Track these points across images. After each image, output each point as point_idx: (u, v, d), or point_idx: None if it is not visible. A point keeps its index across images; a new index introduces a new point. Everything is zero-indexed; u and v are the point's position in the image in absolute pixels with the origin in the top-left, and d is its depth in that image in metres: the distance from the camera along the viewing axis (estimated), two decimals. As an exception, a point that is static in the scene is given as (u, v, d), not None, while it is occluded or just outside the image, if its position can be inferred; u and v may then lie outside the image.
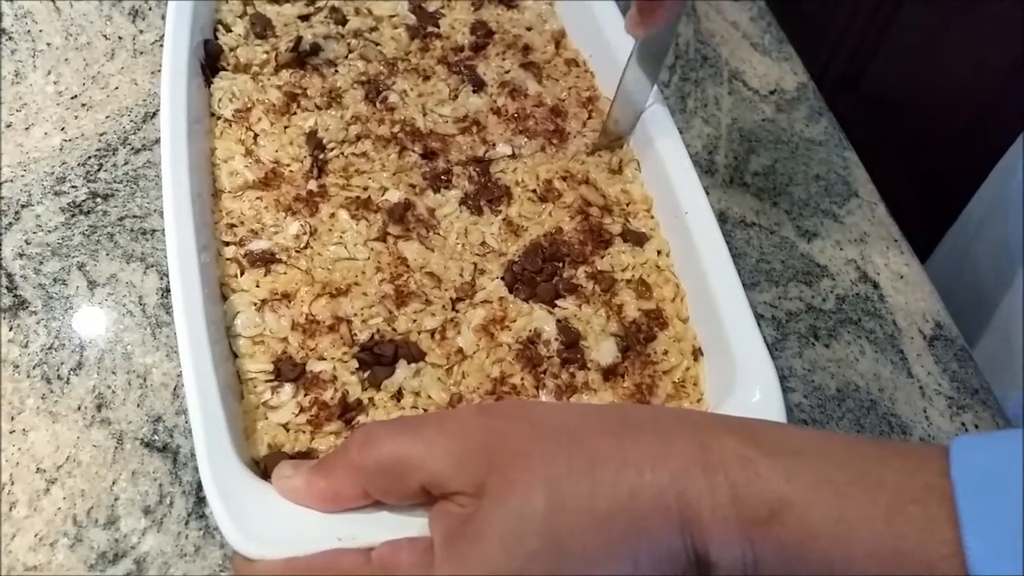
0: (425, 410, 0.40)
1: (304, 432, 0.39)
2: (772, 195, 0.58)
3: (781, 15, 0.69)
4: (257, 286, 0.42)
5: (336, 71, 0.51)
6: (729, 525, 0.28)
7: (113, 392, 0.43)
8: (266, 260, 0.43)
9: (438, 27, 0.54)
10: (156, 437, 0.42)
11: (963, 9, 0.84)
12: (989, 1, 0.80)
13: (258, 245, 0.43)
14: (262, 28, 0.51)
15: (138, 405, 0.43)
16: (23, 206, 0.48)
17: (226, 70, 0.49)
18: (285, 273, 0.43)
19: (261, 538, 0.32)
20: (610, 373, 0.42)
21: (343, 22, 0.53)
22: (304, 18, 0.53)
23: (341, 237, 0.44)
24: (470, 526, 0.29)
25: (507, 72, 0.53)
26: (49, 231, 0.48)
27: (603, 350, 0.43)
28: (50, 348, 0.44)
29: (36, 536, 0.39)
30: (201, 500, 0.41)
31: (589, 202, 0.48)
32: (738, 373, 0.40)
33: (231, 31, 0.51)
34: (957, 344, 0.53)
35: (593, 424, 0.31)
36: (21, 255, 0.47)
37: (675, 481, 0.28)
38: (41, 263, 0.47)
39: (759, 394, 0.39)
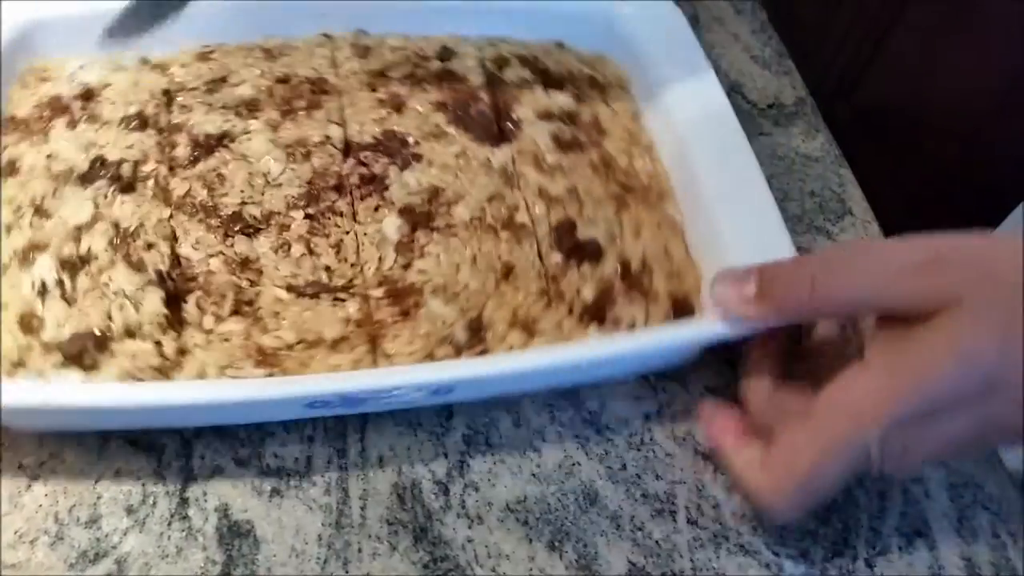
0: None
1: None
2: (767, 210, 0.57)
3: (782, 28, 0.68)
4: None
5: None
6: None
7: (99, 388, 0.43)
8: None
9: None
10: (141, 436, 0.42)
11: (964, 20, 0.84)
12: (989, 12, 0.79)
13: None
14: None
15: (124, 402, 0.43)
16: None
17: None
18: None
19: None
20: None
21: None
22: None
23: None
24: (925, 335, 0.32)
25: None
26: None
27: None
28: (36, 342, 0.44)
29: (16, 533, 0.39)
30: (184, 501, 0.40)
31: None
32: None
33: None
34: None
35: None
36: None
37: None
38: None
39: None
